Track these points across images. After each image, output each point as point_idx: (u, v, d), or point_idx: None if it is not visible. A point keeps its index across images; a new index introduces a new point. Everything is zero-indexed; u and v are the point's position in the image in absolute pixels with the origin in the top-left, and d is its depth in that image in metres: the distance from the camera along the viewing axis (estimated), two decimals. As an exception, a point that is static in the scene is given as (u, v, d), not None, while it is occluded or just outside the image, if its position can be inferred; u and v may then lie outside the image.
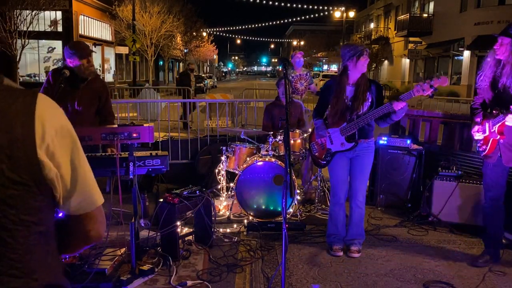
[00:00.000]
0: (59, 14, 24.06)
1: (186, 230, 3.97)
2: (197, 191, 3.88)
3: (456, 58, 25.34)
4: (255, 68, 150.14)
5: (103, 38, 29.09)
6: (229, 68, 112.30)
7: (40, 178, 1.00)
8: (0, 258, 0.98)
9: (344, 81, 3.69)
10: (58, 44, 24.89)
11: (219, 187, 5.17)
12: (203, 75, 38.76)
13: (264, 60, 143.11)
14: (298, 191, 4.91)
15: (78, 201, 1.10)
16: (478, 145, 3.58)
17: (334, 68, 47.44)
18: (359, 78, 3.66)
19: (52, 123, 1.03)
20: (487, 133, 3.46)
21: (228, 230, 4.32)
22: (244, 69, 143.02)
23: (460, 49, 24.29)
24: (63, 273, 1.16)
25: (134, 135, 3.25)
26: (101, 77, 4.21)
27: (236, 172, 4.71)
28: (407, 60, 31.02)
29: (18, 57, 18.34)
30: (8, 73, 19.18)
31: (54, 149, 1.03)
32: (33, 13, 18.23)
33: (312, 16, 50.38)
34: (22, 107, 1.00)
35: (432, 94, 3.40)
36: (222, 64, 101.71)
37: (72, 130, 1.10)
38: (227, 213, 4.70)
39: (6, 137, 0.96)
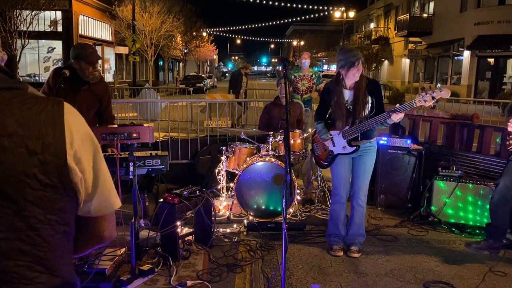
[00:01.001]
0: (59, 14, 24.05)
1: (186, 230, 3.96)
2: (197, 191, 3.87)
3: (456, 58, 25.32)
4: (255, 68, 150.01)
5: (103, 38, 29.08)
6: (229, 68, 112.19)
7: (68, 181, 1.07)
8: (28, 255, 1.04)
9: (340, 85, 3.70)
10: (58, 44, 24.89)
11: (219, 187, 5.17)
12: (203, 75, 38.80)
13: (264, 60, 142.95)
14: (298, 191, 4.91)
15: (97, 204, 1.16)
16: (507, 138, 3.65)
17: (334, 68, 47.42)
18: (358, 81, 3.66)
19: (78, 130, 1.11)
20: None
21: (228, 230, 4.32)
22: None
23: (460, 49, 24.27)
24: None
25: (134, 135, 3.25)
26: (104, 80, 4.16)
27: (236, 172, 4.70)
28: (407, 60, 31.00)
29: (18, 57, 18.33)
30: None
31: (81, 155, 1.09)
32: (33, 13, 18.22)
33: (312, 16, 50.28)
34: (52, 115, 1.07)
35: (434, 106, 3.42)
36: (222, 64, 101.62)
37: (94, 136, 1.16)
38: (227, 213, 4.70)
39: (39, 143, 1.03)
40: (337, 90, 3.70)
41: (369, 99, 3.65)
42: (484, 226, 4.29)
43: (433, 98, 3.34)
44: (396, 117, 3.47)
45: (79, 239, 1.21)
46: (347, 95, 3.70)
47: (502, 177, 3.76)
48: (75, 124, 1.10)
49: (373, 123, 3.57)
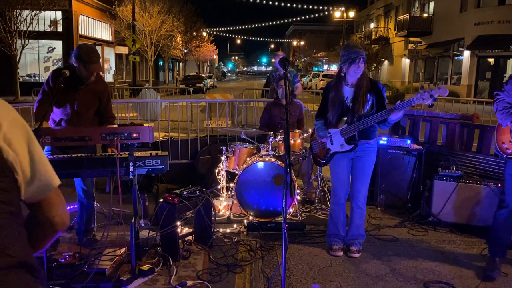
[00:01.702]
0: (59, 14, 24.08)
1: (186, 230, 3.96)
2: (197, 191, 3.87)
3: (456, 58, 25.33)
4: (255, 68, 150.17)
5: (103, 38, 29.09)
6: (229, 68, 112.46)
7: (2, 160, 1.12)
8: None
9: (341, 82, 3.70)
10: (58, 44, 24.90)
11: (219, 187, 5.17)
12: (203, 75, 38.83)
13: (264, 60, 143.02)
14: (298, 191, 4.91)
15: (37, 185, 1.21)
16: (505, 145, 3.50)
17: (334, 68, 47.44)
18: (360, 79, 3.65)
19: (5, 115, 1.16)
20: None
21: (228, 230, 4.32)
22: (244, 69, 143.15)
23: (460, 49, 24.28)
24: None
25: (134, 135, 3.24)
26: (103, 78, 4.15)
27: (236, 172, 4.71)
28: (407, 60, 31.01)
29: (18, 57, 18.35)
30: (8, 73, 19.17)
31: (11, 137, 1.15)
32: (33, 13, 18.26)
33: (312, 16, 50.19)
34: None
35: (432, 104, 3.38)
36: (222, 64, 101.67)
37: (24, 122, 1.23)
38: (227, 213, 4.70)
39: None
40: (337, 86, 3.71)
41: (370, 99, 3.64)
42: (484, 226, 4.29)
43: (431, 96, 3.33)
44: (394, 117, 3.46)
45: (34, 234, 1.24)
46: (348, 92, 3.69)
47: (507, 194, 3.51)
48: (1, 110, 1.16)
49: (371, 121, 3.55)
